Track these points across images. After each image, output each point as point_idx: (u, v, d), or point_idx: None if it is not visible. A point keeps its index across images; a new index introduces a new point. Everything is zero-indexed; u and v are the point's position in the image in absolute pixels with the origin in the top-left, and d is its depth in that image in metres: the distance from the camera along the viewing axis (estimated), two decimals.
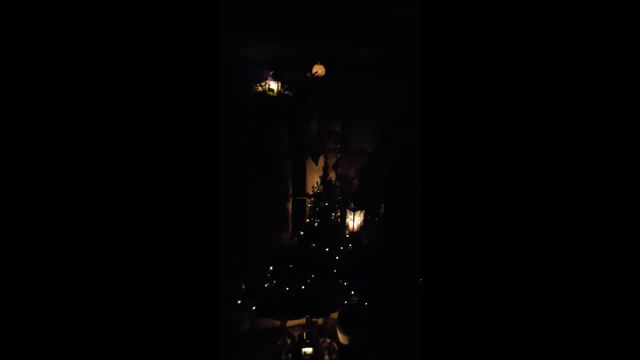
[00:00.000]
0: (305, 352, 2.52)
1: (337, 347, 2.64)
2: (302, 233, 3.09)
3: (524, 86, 1.27)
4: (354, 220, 3.40)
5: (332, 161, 3.55)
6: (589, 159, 1.22)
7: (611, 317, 1.20)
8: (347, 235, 3.28)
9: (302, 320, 2.76)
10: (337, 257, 2.98)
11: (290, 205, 3.41)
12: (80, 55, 1.26)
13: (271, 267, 2.93)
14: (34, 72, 1.23)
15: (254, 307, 2.66)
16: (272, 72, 2.85)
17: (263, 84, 2.84)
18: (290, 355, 2.55)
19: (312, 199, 3.24)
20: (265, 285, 2.88)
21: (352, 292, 2.87)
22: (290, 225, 3.36)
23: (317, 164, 3.49)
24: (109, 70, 1.27)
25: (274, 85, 2.87)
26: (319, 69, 3.31)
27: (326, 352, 2.59)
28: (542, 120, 1.25)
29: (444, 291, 1.33)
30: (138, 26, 1.29)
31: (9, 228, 1.22)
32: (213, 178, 1.38)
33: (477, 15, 1.31)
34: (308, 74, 3.30)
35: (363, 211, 3.38)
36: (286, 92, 2.94)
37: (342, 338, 2.68)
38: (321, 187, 3.11)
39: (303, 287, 2.89)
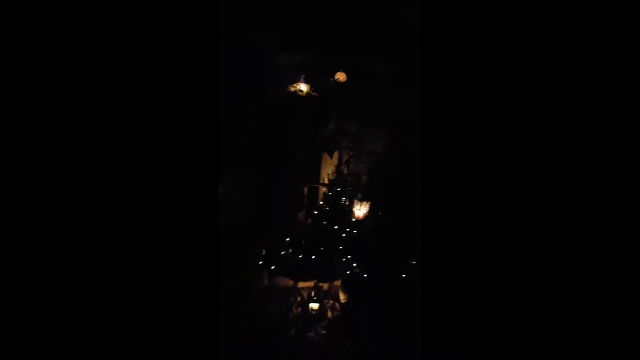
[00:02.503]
0: (312, 307, 3.20)
1: (339, 307, 3.32)
2: (315, 213, 3.79)
3: (525, 87, 1.30)
4: (360, 210, 4.10)
5: (345, 157, 4.27)
6: (588, 162, 1.25)
7: (611, 317, 1.23)
8: (353, 219, 3.98)
9: (311, 284, 3.45)
10: (343, 235, 3.67)
11: (306, 190, 4.13)
12: (80, 56, 1.29)
13: (287, 239, 3.64)
14: (32, 71, 1.26)
15: (272, 267, 3.37)
16: (303, 75, 3.59)
17: (295, 85, 3.58)
18: (299, 309, 3.24)
19: (326, 185, 3.95)
20: (282, 252, 3.58)
21: (354, 265, 3.56)
22: (305, 207, 4.08)
23: (331, 157, 4.21)
24: (109, 71, 1.30)
25: (304, 87, 3.62)
26: (340, 76, 4.04)
27: (329, 310, 3.28)
28: (544, 123, 1.28)
29: (444, 291, 1.35)
30: (138, 25, 1.31)
31: (9, 228, 1.25)
32: (213, 177, 1.40)
33: (478, 17, 1.32)
34: (331, 79, 4.05)
35: (369, 202, 4.09)
36: (313, 94, 3.68)
37: (342, 299, 3.38)
38: (335, 175, 3.82)
39: (313, 257, 3.59)
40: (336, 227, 3.65)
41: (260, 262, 3.39)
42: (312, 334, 3.00)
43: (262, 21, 3.36)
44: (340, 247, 3.66)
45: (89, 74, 1.30)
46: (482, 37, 1.33)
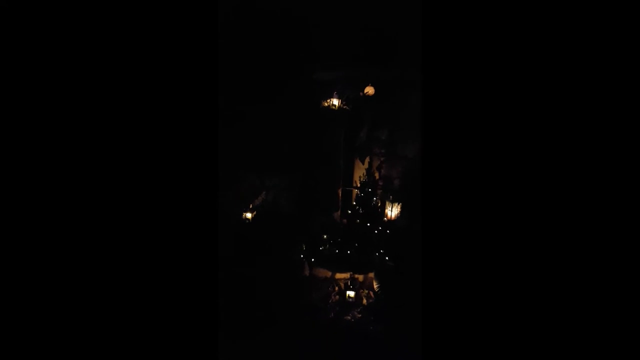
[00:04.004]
0: (349, 295, 3.66)
1: (373, 296, 3.75)
2: (349, 212, 4.29)
3: (525, 88, 1.32)
4: (392, 211, 4.53)
5: (376, 163, 4.74)
6: (588, 162, 1.28)
7: (611, 317, 1.26)
8: (385, 219, 4.41)
9: (347, 275, 3.92)
10: (375, 231, 4.12)
11: (340, 193, 4.65)
12: (82, 58, 1.30)
13: (325, 236, 4.16)
14: (32, 71, 1.28)
15: (312, 259, 3.90)
16: (335, 91, 4.19)
17: (328, 100, 4.18)
18: (337, 297, 3.72)
19: (358, 188, 4.44)
20: (320, 248, 4.10)
21: (387, 258, 3.98)
22: (340, 207, 4.59)
23: (363, 163, 4.71)
24: (110, 71, 1.32)
25: (336, 102, 4.20)
26: (369, 89, 4.58)
27: (364, 298, 3.72)
28: (545, 124, 1.31)
29: (445, 295, 1.39)
30: (138, 26, 1.33)
31: (9, 228, 1.26)
32: (213, 176, 1.43)
33: (478, 18, 1.35)
34: (361, 93, 4.60)
35: (400, 204, 4.51)
36: (344, 107, 4.26)
37: (376, 288, 3.81)
38: (366, 177, 4.32)
39: (349, 251, 4.06)
40: (369, 224, 4.12)
41: (302, 256, 3.94)
42: (349, 317, 3.46)
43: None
44: (374, 243, 4.13)
45: (94, 75, 1.32)
46: (483, 37, 1.36)
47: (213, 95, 1.47)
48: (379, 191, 4.52)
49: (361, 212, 4.24)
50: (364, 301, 3.69)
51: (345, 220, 4.42)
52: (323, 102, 4.21)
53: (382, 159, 4.71)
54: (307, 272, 3.92)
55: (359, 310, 3.55)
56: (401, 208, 4.43)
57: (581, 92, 1.31)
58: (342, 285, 3.82)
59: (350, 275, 3.90)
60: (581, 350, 1.29)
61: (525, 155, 1.35)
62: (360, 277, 3.96)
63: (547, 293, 1.32)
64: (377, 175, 4.61)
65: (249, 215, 4.15)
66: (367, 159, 4.63)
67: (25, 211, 1.31)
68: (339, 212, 4.54)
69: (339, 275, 3.95)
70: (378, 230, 4.14)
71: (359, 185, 4.39)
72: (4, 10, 1.28)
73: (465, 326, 1.40)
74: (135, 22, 1.37)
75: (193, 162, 1.43)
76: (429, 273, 1.45)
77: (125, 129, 1.38)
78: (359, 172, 4.58)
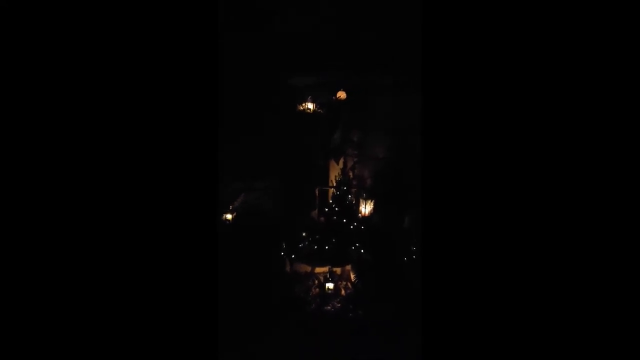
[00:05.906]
0: (328, 287, 3.94)
1: (351, 287, 4.06)
2: (326, 210, 4.60)
3: (525, 90, 1.33)
4: (366, 207, 4.88)
5: (350, 163, 5.09)
6: (588, 163, 1.29)
7: (611, 317, 1.26)
8: (360, 216, 4.76)
9: (326, 269, 4.21)
10: (351, 227, 4.45)
11: (317, 192, 4.95)
12: (82, 58, 1.30)
13: (304, 233, 4.43)
14: (32, 71, 1.28)
15: (293, 256, 4.16)
16: (310, 96, 4.49)
17: (304, 104, 4.48)
18: (317, 289, 4.00)
19: (334, 187, 4.76)
20: (300, 245, 4.37)
21: (362, 251, 4.32)
22: (317, 206, 4.89)
23: (338, 163, 5.04)
24: (110, 72, 1.33)
25: (310, 106, 4.51)
26: (341, 94, 4.93)
27: (342, 289, 4.02)
28: (543, 125, 1.32)
29: (445, 296, 1.39)
30: (138, 26, 1.33)
31: (9, 229, 1.27)
32: (213, 179, 1.44)
33: (478, 21, 1.35)
34: (333, 98, 4.93)
35: (373, 200, 4.87)
36: (319, 110, 4.57)
37: (353, 279, 4.13)
38: (341, 176, 4.65)
39: (327, 247, 4.36)
40: (344, 220, 4.45)
41: (282, 253, 4.19)
42: (329, 307, 3.75)
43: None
44: (349, 238, 4.45)
45: (92, 76, 1.32)
46: (481, 40, 1.38)
47: (213, 97, 1.49)
48: (353, 190, 4.86)
49: (337, 209, 4.57)
50: (343, 292, 4.00)
51: (322, 218, 4.72)
52: (298, 106, 4.50)
53: (355, 159, 5.07)
54: (288, 268, 4.17)
55: (338, 300, 3.85)
56: (374, 205, 4.80)
57: (579, 97, 1.32)
58: (322, 278, 4.10)
59: (329, 268, 4.19)
60: (581, 350, 1.29)
61: (522, 156, 1.37)
62: (338, 270, 4.26)
63: (548, 295, 1.34)
64: (351, 174, 4.95)
65: (229, 216, 4.34)
66: (342, 160, 4.97)
67: (25, 210, 1.32)
68: (316, 211, 4.84)
69: (318, 270, 4.23)
70: (353, 226, 4.48)
71: (334, 184, 4.71)
72: (4, 10, 1.29)
73: (463, 317, 1.42)
74: (135, 22, 1.36)
75: (192, 162, 1.45)
76: (428, 268, 1.49)
77: (123, 128, 1.39)
78: (334, 172, 4.91)
